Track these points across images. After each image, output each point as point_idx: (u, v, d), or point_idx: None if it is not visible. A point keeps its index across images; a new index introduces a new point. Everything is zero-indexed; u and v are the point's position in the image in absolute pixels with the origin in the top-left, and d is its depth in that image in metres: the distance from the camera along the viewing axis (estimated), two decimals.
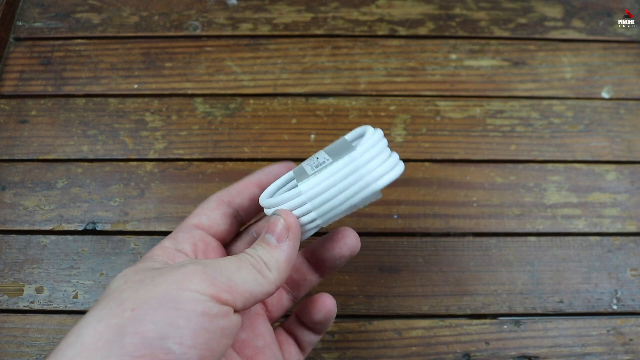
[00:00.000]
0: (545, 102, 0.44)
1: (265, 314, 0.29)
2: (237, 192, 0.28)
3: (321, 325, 0.29)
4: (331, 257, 0.29)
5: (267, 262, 0.24)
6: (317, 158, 0.26)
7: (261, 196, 0.27)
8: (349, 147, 0.26)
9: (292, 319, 0.30)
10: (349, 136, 0.28)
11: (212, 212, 0.27)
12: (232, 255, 0.27)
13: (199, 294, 0.21)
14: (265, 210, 0.27)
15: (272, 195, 0.27)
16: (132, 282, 0.22)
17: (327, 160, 0.25)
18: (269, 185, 0.28)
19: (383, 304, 0.37)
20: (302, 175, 0.26)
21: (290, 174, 0.28)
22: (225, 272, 0.22)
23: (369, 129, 0.26)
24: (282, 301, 0.30)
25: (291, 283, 0.30)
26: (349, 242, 0.28)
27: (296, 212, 0.25)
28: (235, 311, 0.22)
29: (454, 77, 0.45)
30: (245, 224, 0.29)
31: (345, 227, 0.29)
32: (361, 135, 0.28)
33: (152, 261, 0.24)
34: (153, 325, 0.20)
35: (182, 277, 0.21)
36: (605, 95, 0.45)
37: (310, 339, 0.29)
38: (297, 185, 0.25)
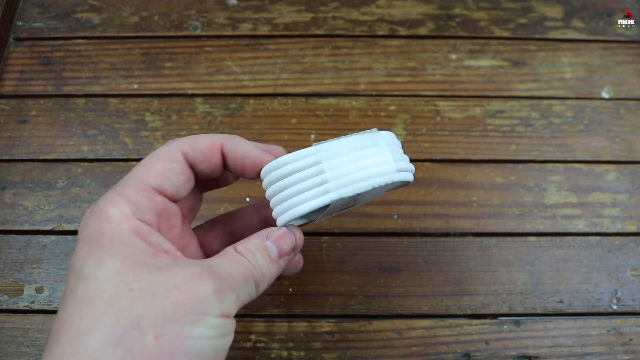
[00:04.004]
0: (545, 102, 0.44)
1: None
2: (205, 155, 0.24)
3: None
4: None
5: (264, 276, 0.23)
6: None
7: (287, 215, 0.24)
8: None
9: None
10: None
11: (177, 178, 0.24)
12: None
13: (216, 318, 0.20)
14: (275, 216, 0.25)
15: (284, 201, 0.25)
16: (138, 289, 0.20)
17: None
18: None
19: (383, 304, 0.37)
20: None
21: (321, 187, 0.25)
22: (235, 286, 0.22)
23: None
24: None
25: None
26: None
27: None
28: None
29: (454, 77, 0.45)
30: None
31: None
32: None
33: (130, 240, 0.22)
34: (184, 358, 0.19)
35: (201, 297, 0.20)
36: (605, 95, 0.45)
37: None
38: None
